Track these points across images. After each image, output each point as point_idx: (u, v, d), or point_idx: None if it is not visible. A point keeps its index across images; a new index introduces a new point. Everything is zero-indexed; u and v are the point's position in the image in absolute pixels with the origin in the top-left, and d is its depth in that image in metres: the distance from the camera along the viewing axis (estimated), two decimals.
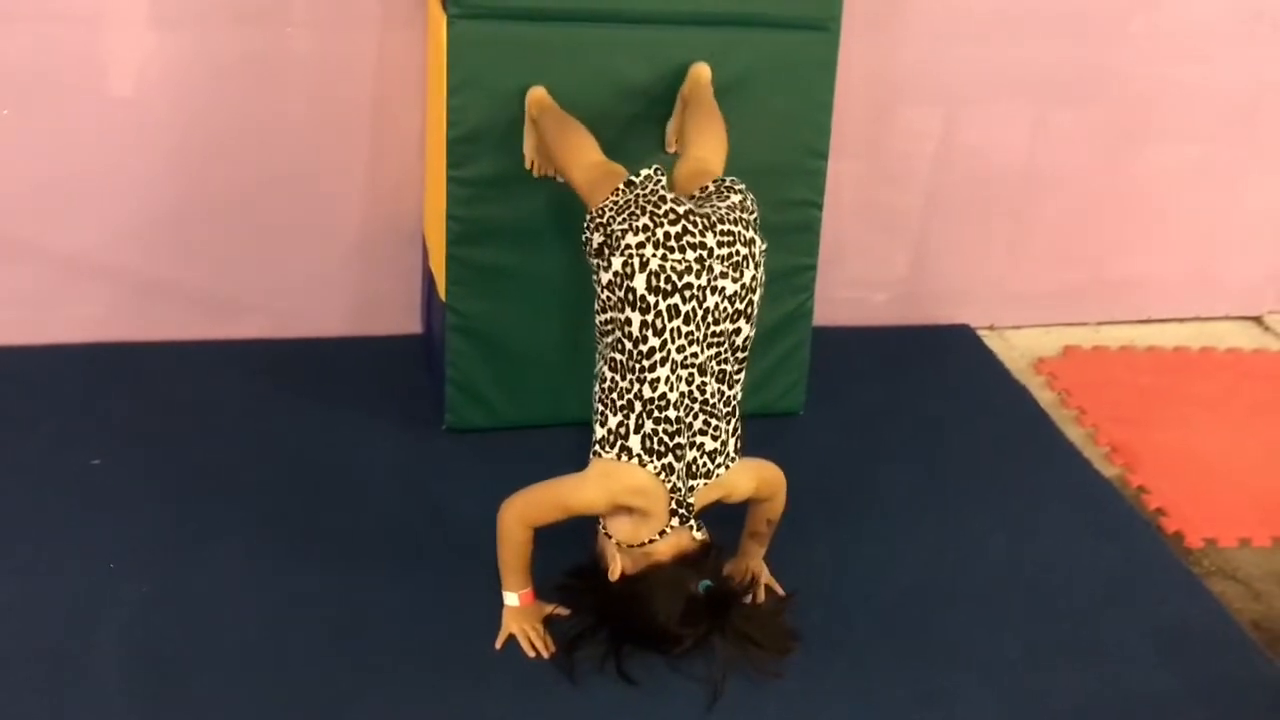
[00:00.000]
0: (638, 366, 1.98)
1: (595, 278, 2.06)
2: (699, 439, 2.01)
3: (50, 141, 2.62)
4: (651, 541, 1.98)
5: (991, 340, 3.19)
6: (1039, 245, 3.23)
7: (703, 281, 1.97)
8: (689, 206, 2.01)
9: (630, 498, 1.98)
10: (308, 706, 1.91)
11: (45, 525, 2.23)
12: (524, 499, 2.05)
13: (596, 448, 2.02)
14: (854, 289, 3.10)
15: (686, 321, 1.97)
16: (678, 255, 1.96)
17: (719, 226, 1.99)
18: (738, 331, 2.03)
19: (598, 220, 2.05)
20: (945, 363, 3.08)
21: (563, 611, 2.06)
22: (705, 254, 1.97)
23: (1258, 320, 3.44)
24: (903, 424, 2.78)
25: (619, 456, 1.98)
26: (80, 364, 2.72)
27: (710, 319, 1.99)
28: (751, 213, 2.07)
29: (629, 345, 1.98)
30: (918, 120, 3.02)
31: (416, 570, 2.20)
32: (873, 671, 2.06)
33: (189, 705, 1.89)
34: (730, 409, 2.05)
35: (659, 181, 2.06)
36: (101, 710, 1.86)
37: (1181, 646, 2.19)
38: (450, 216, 2.43)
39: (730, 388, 2.05)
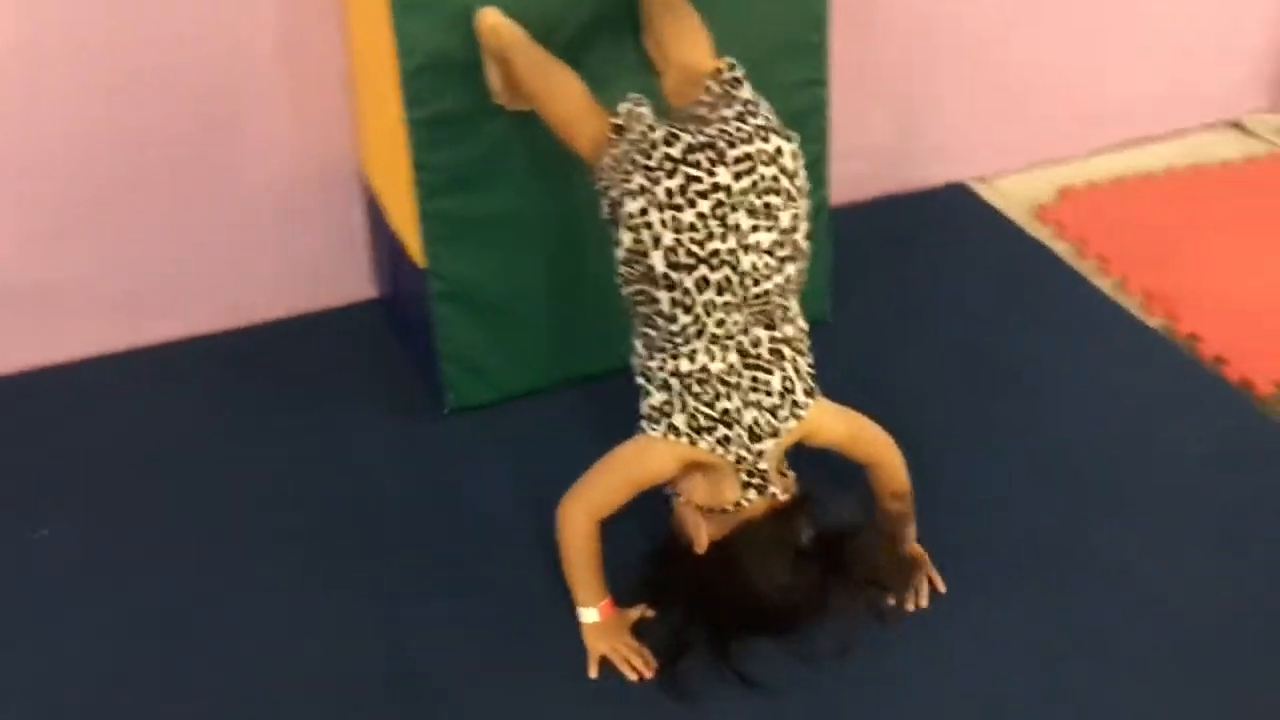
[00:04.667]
0: (670, 344, 1.70)
1: (614, 245, 1.75)
2: (754, 396, 1.73)
3: None
4: (737, 506, 1.71)
5: (986, 194, 2.94)
6: (1013, 85, 2.97)
7: (730, 244, 1.67)
8: (687, 139, 1.68)
9: (701, 456, 1.71)
10: None
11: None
12: (584, 490, 1.76)
13: (643, 423, 1.74)
14: (837, 162, 2.80)
15: (720, 291, 1.68)
16: (689, 216, 1.65)
17: (731, 153, 1.67)
18: (786, 277, 1.73)
19: (601, 183, 1.74)
20: (953, 230, 2.81)
21: (650, 613, 1.78)
22: (722, 201, 1.65)
23: (1237, 125, 3.25)
24: (936, 310, 2.53)
25: (666, 435, 1.71)
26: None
27: (749, 280, 1.70)
28: (765, 111, 1.75)
29: (660, 322, 1.70)
30: None
31: (472, 585, 1.89)
32: (997, 591, 1.86)
33: None
34: (792, 349, 1.76)
35: (642, 116, 1.73)
36: None
37: None
38: (418, 166, 2.03)
39: (786, 325, 1.75)
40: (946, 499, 1.98)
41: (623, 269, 1.74)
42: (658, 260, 1.68)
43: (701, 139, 1.69)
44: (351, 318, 2.49)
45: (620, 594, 1.78)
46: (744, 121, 1.72)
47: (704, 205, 1.66)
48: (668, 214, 1.66)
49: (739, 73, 1.80)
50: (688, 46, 1.91)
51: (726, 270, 1.68)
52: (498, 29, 1.95)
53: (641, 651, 1.75)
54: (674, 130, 1.71)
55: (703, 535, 1.70)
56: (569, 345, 2.25)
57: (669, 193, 1.66)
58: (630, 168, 1.69)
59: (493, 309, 2.17)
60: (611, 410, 1.86)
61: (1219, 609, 1.85)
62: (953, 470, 2.07)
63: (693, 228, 1.66)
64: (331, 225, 2.46)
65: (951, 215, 2.87)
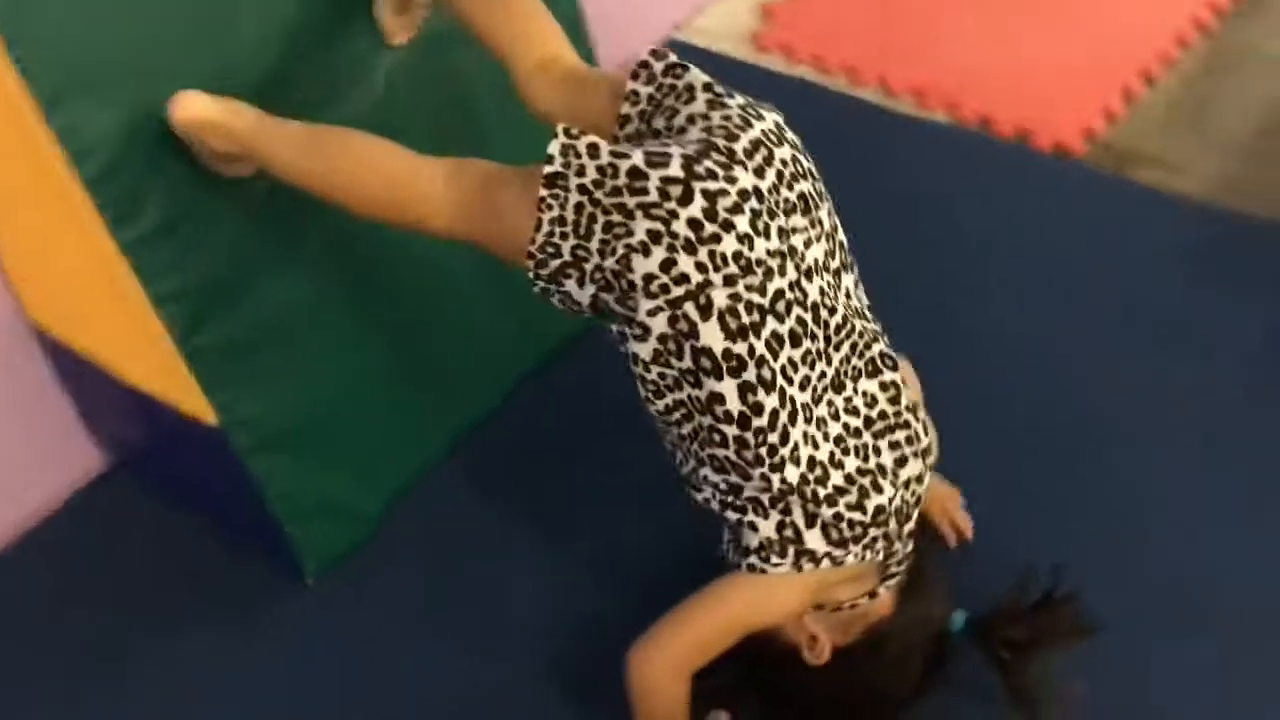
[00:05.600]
0: (762, 452, 1.26)
1: (625, 350, 1.28)
2: (898, 471, 1.34)
3: None
4: (857, 603, 1.36)
5: (697, 39, 2.58)
6: None
7: (790, 275, 1.24)
8: (678, 150, 1.22)
9: (846, 573, 1.34)
10: None
11: None
12: (672, 641, 1.33)
13: (753, 560, 1.31)
14: None
15: (796, 344, 1.25)
16: (731, 245, 1.20)
17: (739, 145, 1.24)
18: (846, 292, 1.33)
19: (552, 265, 1.25)
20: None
21: None
22: (758, 210, 1.22)
23: None
24: None
25: (798, 567, 1.30)
26: None
27: (824, 312, 1.28)
28: (725, 89, 1.32)
29: (728, 430, 1.25)
30: None
31: None
32: None
33: None
34: (900, 383, 1.38)
35: (597, 148, 1.24)
36: None
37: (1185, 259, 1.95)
38: (158, 301, 1.42)
39: (881, 359, 1.37)
40: None
41: (653, 376, 1.26)
42: (713, 336, 1.21)
43: (693, 145, 1.23)
44: (85, 509, 1.82)
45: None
46: (723, 107, 1.27)
47: (742, 223, 1.21)
48: (704, 254, 1.19)
49: (673, 57, 1.33)
50: (537, 40, 1.40)
51: (798, 311, 1.24)
52: (211, 122, 1.36)
53: None
54: (651, 151, 1.23)
55: (825, 644, 1.33)
56: (419, 429, 1.75)
57: (695, 224, 1.19)
58: (614, 213, 1.21)
59: (318, 437, 1.62)
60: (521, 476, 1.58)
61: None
62: None
63: (746, 266, 1.20)
64: (16, 403, 1.76)
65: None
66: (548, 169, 1.24)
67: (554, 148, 1.25)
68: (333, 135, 1.36)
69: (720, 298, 1.20)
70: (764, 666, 1.36)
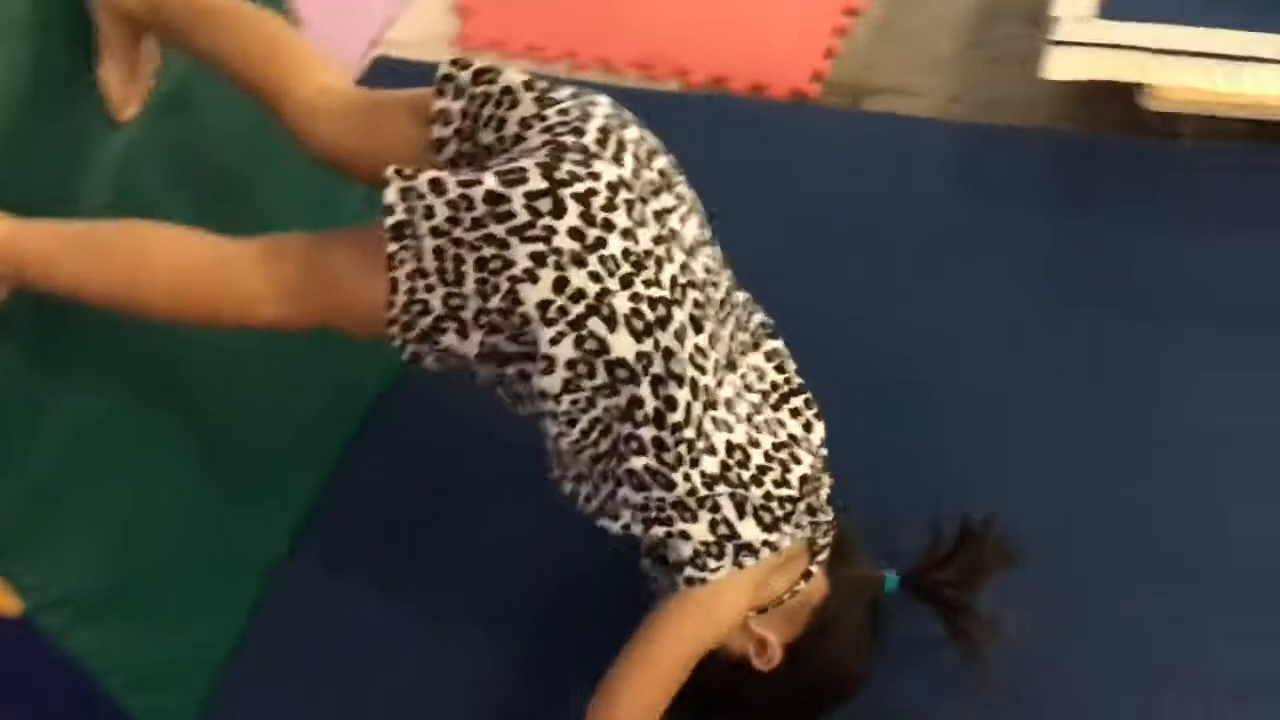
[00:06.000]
0: (681, 450, 1.18)
1: (516, 392, 1.20)
2: (808, 436, 1.30)
3: None
4: (796, 590, 1.30)
5: (402, 52, 2.44)
6: None
7: (679, 258, 1.18)
8: (528, 163, 1.12)
9: (782, 557, 1.27)
10: None
11: None
12: (631, 693, 1.23)
13: (689, 573, 1.22)
14: None
15: (699, 329, 1.18)
16: (617, 244, 1.12)
17: (588, 139, 1.15)
18: (723, 265, 1.29)
19: (422, 324, 1.14)
20: None
21: None
22: (632, 201, 1.15)
23: None
24: None
25: (738, 564, 1.23)
26: None
27: (710, 289, 1.23)
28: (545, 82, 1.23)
29: (651, 432, 1.17)
30: None
31: None
32: None
33: None
34: (769, 351, 1.34)
35: (442, 183, 1.13)
36: None
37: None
38: None
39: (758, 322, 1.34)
40: None
41: (565, 407, 1.16)
42: (623, 345, 1.12)
43: (542, 151, 1.12)
44: None
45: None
46: (554, 103, 1.17)
47: (621, 219, 1.12)
48: (594, 262, 1.10)
49: (479, 62, 1.21)
50: (302, 69, 1.26)
51: (693, 295, 1.17)
52: None
53: None
54: (501, 170, 1.11)
55: (774, 646, 1.27)
56: (250, 540, 1.56)
57: (576, 234, 1.09)
58: (490, 251, 1.09)
59: (137, 593, 1.40)
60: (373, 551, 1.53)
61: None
62: None
63: (638, 262, 1.12)
64: None
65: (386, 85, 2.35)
66: (390, 220, 1.11)
67: (390, 195, 1.12)
68: (118, 231, 1.18)
69: (622, 303, 1.12)
70: (715, 695, 1.28)
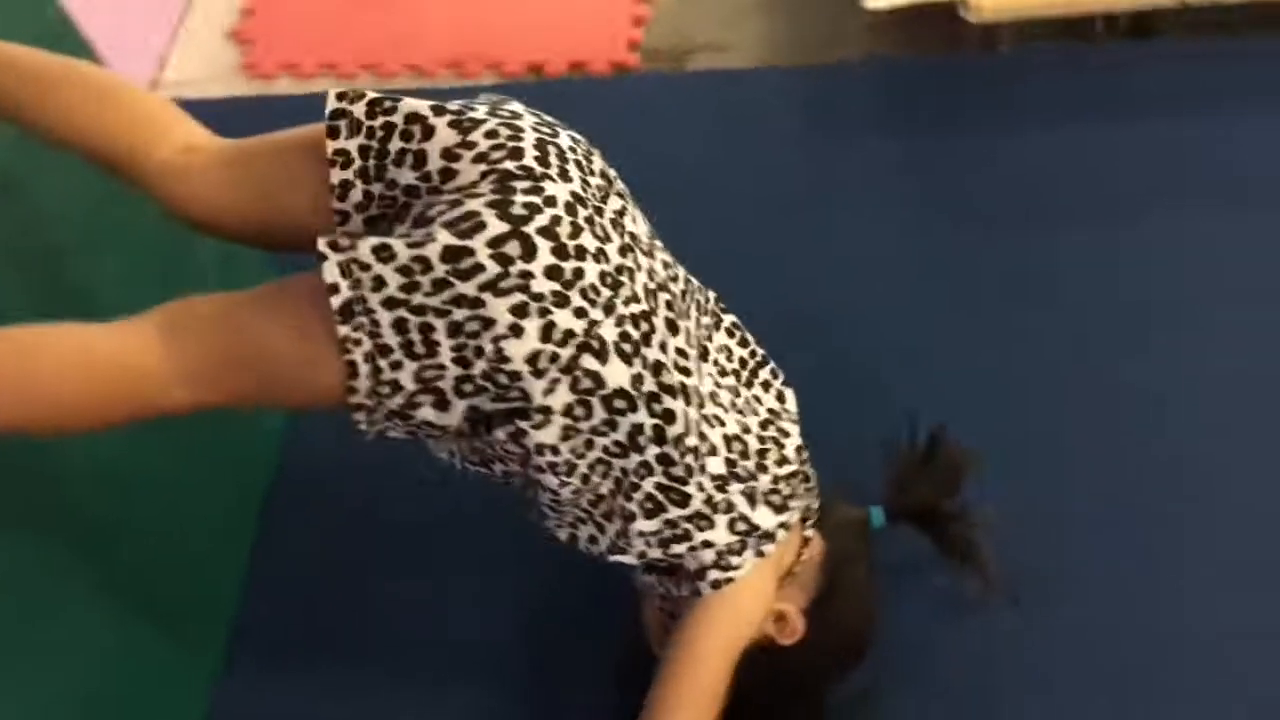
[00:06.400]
0: (689, 460, 1.12)
1: (507, 451, 1.10)
2: (785, 406, 1.27)
3: None
4: (801, 557, 1.26)
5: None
6: None
7: (644, 263, 1.12)
8: (478, 205, 1.03)
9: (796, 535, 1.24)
10: None
11: None
12: (680, 706, 1.16)
13: (715, 574, 1.17)
14: None
15: (674, 331, 1.13)
16: (593, 268, 1.05)
17: (527, 161, 1.06)
18: (674, 276, 1.20)
19: (392, 403, 1.04)
20: None
21: None
22: (592, 216, 1.07)
23: None
24: None
25: (760, 554, 1.18)
26: None
27: (672, 285, 1.16)
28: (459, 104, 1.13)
29: (655, 450, 1.10)
30: None
31: None
32: None
33: None
34: (729, 327, 1.28)
35: (376, 246, 1.02)
36: None
37: None
38: None
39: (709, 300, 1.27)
40: None
41: (564, 456, 1.08)
42: (617, 373, 1.04)
43: (486, 186, 1.02)
44: None
45: None
46: (476, 125, 1.07)
47: (589, 240, 1.04)
48: (577, 297, 1.01)
49: (369, 93, 1.09)
50: (162, 125, 1.14)
51: (664, 297, 1.10)
52: None
53: None
54: (450, 219, 1.01)
55: (794, 617, 1.22)
56: (179, 681, 1.40)
57: (553, 272, 1.01)
58: (463, 314, 1.00)
59: None
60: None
61: None
62: None
63: (614, 282, 1.04)
64: None
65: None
66: (336, 299, 1.00)
67: (329, 272, 1.00)
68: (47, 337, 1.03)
69: (609, 331, 1.04)
70: (755, 689, 1.20)
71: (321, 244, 1.02)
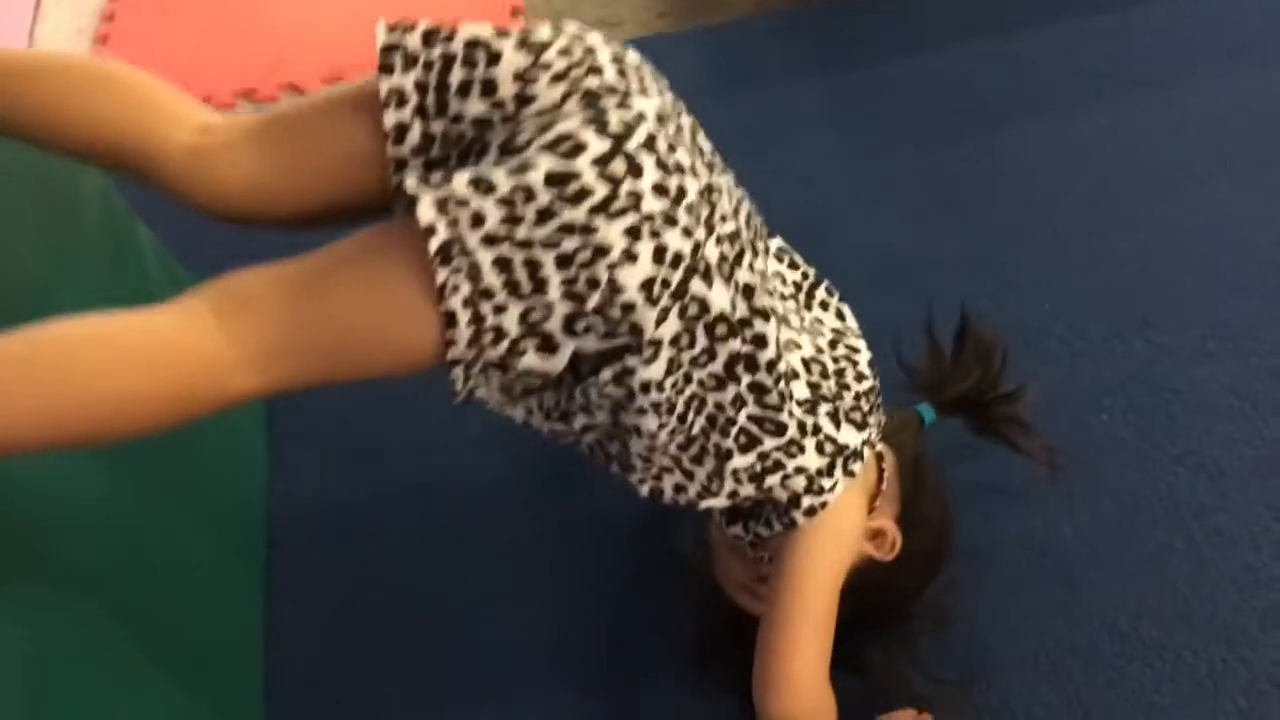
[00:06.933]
0: (782, 386, 1.07)
1: (614, 398, 1.01)
2: (846, 324, 1.23)
3: None
4: (884, 473, 1.23)
5: None
6: None
7: (721, 180, 1.04)
8: (583, 119, 0.94)
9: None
10: None
11: None
12: (796, 657, 1.12)
13: (809, 500, 1.12)
14: None
15: (756, 253, 1.08)
16: (692, 189, 0.97)
17: (608, 76, 0.98)
18: (745, 195, 1.13)
19: (495, 352, 0.95)
20: None
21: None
22: (672, 134, 0.98)
23: None
24: None
25: (849, 474, 1.14)
26: None
27: (741, 206, 1.08)
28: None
29: (748, 379, 1.05)
30: None
31: None
32: None
33: None
34: (777, 252, 1.23)
35: (472, 180, 0.92)
36: None
37: None
38: None
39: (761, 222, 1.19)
40: None
41: (666, 394, 1.00)
42: (721, 296, 0.99)
43: (575, 106, 0.95)
44: None
45: None
46: (544, 47, 0.98)
47: (684, 156, 0.97)
48: (683, 216, 0.94)
49: (423, 23, 0.99)
50: (173, 107, 1.02)
51: (741, 218, 1.06)
52: None
53: None
54: (546, 142, 0.92)
55: (891, 530, 1.19)
56: None
57: (660, 190, 0.93)
58: (574, 244, 0.91)
59: None
60: None
61: None
62: None
63: (711, 200, 0.99)
64: None
65: None
66: (434, 241, 0.90)
67: (425, 212, 0.91)
68: (12, 341, 0.88)
69: (712, 251, 0.98)
70: (864, 609, 1.18)
71: (411, 183, 0.92)
